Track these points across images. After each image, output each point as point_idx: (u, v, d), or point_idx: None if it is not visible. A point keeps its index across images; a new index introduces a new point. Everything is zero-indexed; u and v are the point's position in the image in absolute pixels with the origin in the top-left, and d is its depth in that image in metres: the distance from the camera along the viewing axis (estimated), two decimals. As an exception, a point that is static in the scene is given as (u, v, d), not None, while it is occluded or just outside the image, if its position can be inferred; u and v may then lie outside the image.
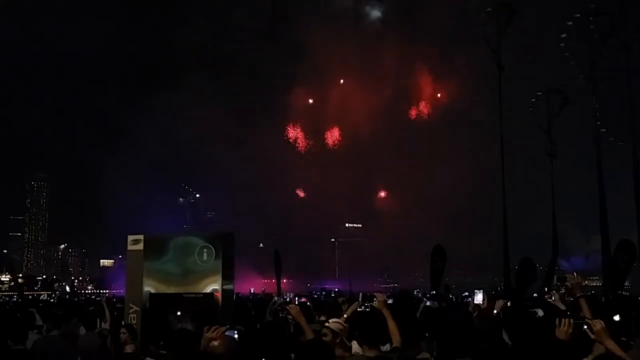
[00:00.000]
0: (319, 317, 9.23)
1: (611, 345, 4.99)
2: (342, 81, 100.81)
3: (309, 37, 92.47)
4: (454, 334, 4.70)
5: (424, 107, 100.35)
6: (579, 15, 34.19)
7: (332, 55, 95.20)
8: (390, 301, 9.86)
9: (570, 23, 34.67)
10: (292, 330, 7.76)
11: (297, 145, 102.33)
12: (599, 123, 33.18)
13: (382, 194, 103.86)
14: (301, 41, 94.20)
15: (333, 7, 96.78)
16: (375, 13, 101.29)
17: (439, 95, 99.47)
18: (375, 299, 6.33)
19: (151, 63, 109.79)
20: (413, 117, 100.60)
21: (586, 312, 6.44)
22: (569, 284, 7.37)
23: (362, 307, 7.04)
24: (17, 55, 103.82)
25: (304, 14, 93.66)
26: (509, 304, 9.45)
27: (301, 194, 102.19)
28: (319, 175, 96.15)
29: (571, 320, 5.05)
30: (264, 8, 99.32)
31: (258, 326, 8.61)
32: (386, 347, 5.89)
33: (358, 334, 5.51)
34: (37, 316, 10.69)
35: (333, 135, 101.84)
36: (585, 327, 5.05)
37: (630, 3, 32.68)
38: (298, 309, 6.77)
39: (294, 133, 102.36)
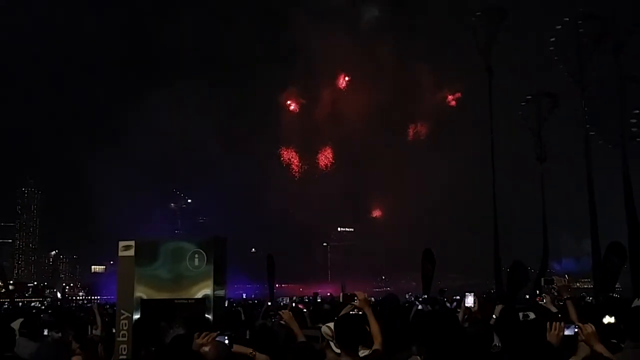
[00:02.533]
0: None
1: (600, 348, 5.02)
2: (345, 79, 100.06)
3: (303, 38, 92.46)
4: (441, 337, 4.71)
5: (421, 128, 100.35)
6: (568, 19, 34.38)
7: (327, 57, 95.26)
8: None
9: (560, 27, 34.85)
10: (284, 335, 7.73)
11: (291, 168, 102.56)
12: (588, 126, 33.35)
13: (377, 213, 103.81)
14: (295, 42, 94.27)
15: (328, 7, 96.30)
16: (371, 12, 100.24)
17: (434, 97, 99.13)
18: (356, 298, 6.30)
19: (142, 69, 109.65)
20: (410, 137, 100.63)
21: (572, 314, 6.47)
22: (555, 286, 7.42)
23: (355, 310, 7.00)
24: (6, 61, 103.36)
25: (297, 14, 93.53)
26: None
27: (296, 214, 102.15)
28: (312, 194, 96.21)
29: (562, 324, 5.08)
30: (256, 8, 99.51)
31: (248, 332, 8.58)
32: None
33: (335, 338, 5.52)
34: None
35: (326, 157, 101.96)
36: (576, 329, 5.09)
37: (619, 7, 32.90)
38: (291, 314, 6.75)
39: (288, 155, 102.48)
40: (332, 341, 5.74)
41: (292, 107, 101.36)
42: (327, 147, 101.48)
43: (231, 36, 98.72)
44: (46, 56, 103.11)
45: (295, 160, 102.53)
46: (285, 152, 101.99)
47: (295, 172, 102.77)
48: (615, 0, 32.68)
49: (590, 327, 5.03)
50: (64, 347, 8.55)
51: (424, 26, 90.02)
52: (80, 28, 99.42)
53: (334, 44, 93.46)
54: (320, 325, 8.45)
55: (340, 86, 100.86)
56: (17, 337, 8.39)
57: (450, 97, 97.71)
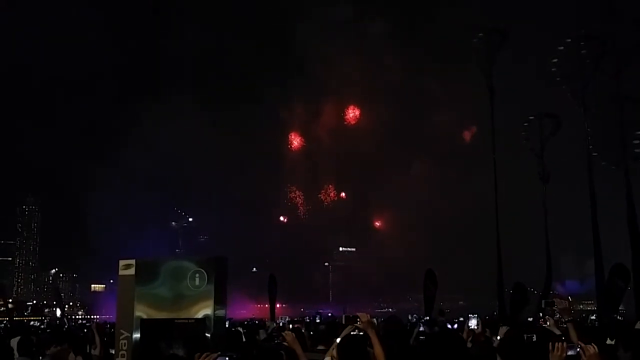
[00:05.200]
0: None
1: None
2: (354, 112, 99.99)
3: (307, 55, 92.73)
4: (443, 358, 4.67)
5: (425, 163, 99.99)
6: (570, 40, 34.53)
7: (332, 77, 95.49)
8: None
9: (562, 48, 34.98)
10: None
11: (297, 207, 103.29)
12: (591, 147, 33.34)
13: (378, 223, 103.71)
14: (300, 58, 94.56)
15: (334, 23, 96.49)
16: (377, 28, 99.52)
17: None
18: (358, 320, 6.24)
19: (142, 86, 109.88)
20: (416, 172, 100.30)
21: (573, 336, 6.43)
22: (556, 309, 7.38)
23: (355, 331, 6.95)
24: (3, 78, 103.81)
25: (303, 30, 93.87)
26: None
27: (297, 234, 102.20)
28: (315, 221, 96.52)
29: (564, 344, 5.03)
30: (262, 23, 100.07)
31: (254, 352, 8.51)
32: None
33: (338, 358, 5.48)
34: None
35: (329, 194, 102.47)
36: (579, 349, 5.05)
37: (621, 28, 33.06)
38: (294, 335, 6.69)
39: (293, 195, 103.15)
40: None
41: (295, 144, 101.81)
42: (330, 185, 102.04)
43: (234, 52, 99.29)
44: (44, 74, 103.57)
45: (300, 200, 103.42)
46: (290, 194, 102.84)
47: (300, 211, 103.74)
48: (616, 22, 32.85)
49: (592, 348, 4.98)
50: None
51: (430, 45, 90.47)
52: (79, 45, 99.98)
53: (339, 63, 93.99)
54: (322, 347, 8.40)
55: (350, 120, 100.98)
56: (17, 357, 8.35)
57: (466, 133, 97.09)
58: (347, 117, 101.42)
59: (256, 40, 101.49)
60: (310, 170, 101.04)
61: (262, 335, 12.54)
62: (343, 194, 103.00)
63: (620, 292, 24.74)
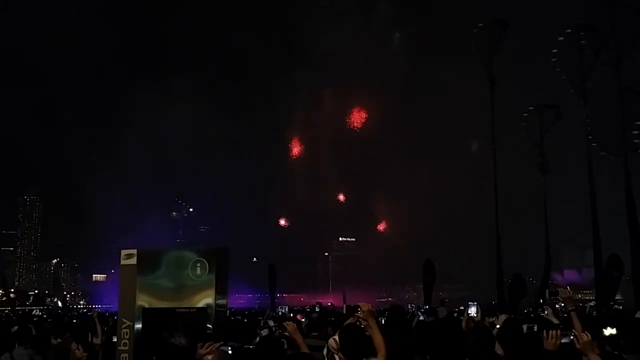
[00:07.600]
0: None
1: (595, 359, 5.03)
2: (360, 115, 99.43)
3: (311, 45, 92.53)
4: (444, 346, 4.74)
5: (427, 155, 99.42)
6: (570, 30, 34.49)
7: (335, 69, 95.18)
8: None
9: (562, 38, 34.94)
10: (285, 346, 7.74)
11: (298, 205, 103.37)
12: (590, 137, 33.38)
13: (380, 224, 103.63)
14: (303, 48, 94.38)
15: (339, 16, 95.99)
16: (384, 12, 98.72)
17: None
18: (359, 310, 6.30)
19: (143, 76, 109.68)
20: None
21: (577, 326, 6.50)
22: (560, 298, 7.44)
23: (358, 321, 7.01)
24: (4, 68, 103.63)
25: (309, 22, 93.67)
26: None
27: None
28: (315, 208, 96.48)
29: (558, 332, 5.11)
30: (266, 12, 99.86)
31: (254, 342, 8.60)
32: None
33: (340, 348, 5.54)
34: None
35: (331, 194, 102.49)
36: (572, 337, 5.12)
37: (621, 19, 32.99)
38: (295, 325, 6.76)
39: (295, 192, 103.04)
40: (337, 354, 5.78)
41: (295, 150, 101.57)
42: (332, 185, 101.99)
43: (236, 41, 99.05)
44: (43, 63, 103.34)
45: (301, 197, 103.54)
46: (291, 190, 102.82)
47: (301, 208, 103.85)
48: (616, 13, 32.76)
49: (586, 336, 5.04)
50: (62, 353, 8.57)
51: (432, 36, 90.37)
52: (81, 31, 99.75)
53: (343, 56, 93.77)
54: (315, 333, 8.51)
55: (355, 124, 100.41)
56: (16, 347, 8.45)
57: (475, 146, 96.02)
58: (353, 119, 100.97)
59: (260, 33, 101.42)
60: (311, 166, 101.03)
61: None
62: (342, 197, 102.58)
63: (615, 282, 25.05)
